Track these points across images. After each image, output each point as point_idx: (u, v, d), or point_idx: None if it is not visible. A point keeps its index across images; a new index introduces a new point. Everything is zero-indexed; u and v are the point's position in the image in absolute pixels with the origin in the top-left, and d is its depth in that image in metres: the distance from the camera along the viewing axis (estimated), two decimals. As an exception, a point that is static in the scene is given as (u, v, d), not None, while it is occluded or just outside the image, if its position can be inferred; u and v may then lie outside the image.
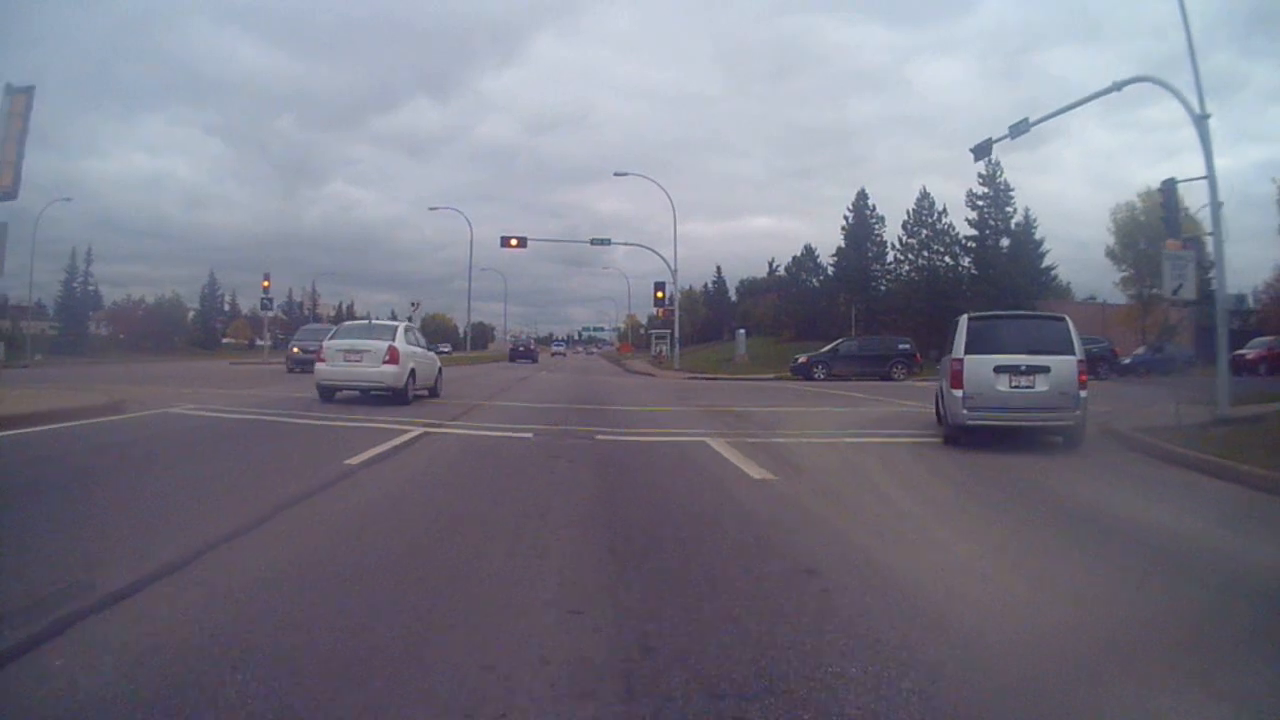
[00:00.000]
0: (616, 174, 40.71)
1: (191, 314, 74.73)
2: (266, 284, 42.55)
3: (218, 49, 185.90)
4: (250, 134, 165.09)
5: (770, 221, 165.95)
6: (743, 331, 47.65)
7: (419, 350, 15.85)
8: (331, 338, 15.75)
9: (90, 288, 65.62)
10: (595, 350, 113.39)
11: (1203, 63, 13.37)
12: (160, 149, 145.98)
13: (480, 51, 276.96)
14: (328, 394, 14.61)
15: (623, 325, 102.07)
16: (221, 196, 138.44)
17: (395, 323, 17.69)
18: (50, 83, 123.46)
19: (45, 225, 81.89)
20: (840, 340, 34.09)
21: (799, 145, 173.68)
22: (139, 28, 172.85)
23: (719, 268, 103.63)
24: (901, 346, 31.98)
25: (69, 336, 54.45)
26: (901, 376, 30.13)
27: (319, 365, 14.90)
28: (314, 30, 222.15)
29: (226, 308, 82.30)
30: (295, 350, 29.18)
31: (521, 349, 55.16)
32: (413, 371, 14.83)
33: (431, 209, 45.32)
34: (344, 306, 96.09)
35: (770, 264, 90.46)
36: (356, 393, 14.74)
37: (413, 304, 49.20)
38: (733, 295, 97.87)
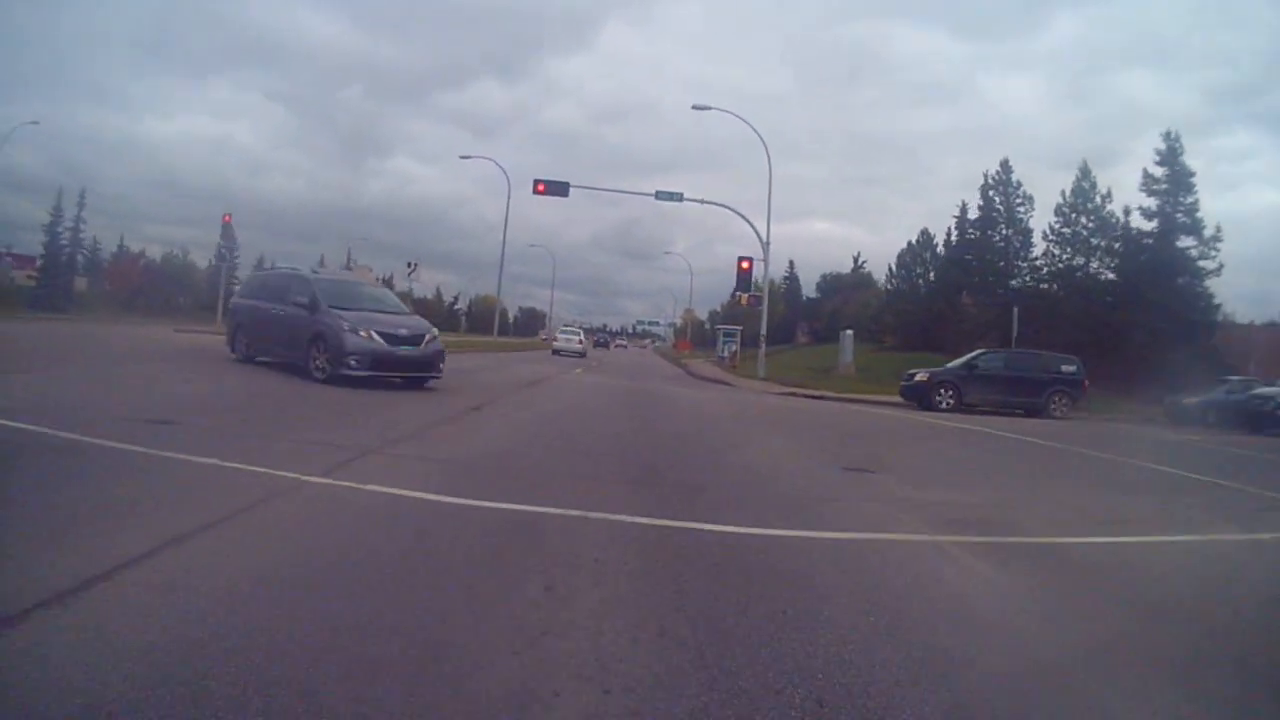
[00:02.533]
0: (695, 107, 32.45)
1: (207, 273, 67.50)
2: (227, 219, 35.20)
3: (283, 15, 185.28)
4: (314, 103, 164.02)
5: (830, 226, 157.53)
6: (850, 333, 38.72)
7: (585, 339, 51.12)
8: (559, 331, 50.78)
9: (81, 236, 56.97)
10: (651, 344, 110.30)
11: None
12: (222, 112, 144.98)
13: (551, 36, 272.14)
14: (558, 353, 40.30)
15: (680, 321, 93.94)
16: (280, 164, 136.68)
17: (579, 328, 54.14)
18: (113, 40, 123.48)
19: (97, 182, 77.14)
20: (980, 352, 24.26)
21: (863, 152, 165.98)
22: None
23: (791, 262, 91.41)
24: (1066, 368, 22.20)
25: (48, 289, 47.45)
26: (1063, 412, 21.14)
27: (554, 343, 45.73)
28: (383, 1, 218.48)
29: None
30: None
31: (600, 340, 77.75)
32: (587, 347, 49.07)
33: (463, 157, 41.98)
34: (382, 278, 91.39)
35: (855, 259, 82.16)
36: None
37: (409, 264, 54.73)
38: (806, 293, 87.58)
